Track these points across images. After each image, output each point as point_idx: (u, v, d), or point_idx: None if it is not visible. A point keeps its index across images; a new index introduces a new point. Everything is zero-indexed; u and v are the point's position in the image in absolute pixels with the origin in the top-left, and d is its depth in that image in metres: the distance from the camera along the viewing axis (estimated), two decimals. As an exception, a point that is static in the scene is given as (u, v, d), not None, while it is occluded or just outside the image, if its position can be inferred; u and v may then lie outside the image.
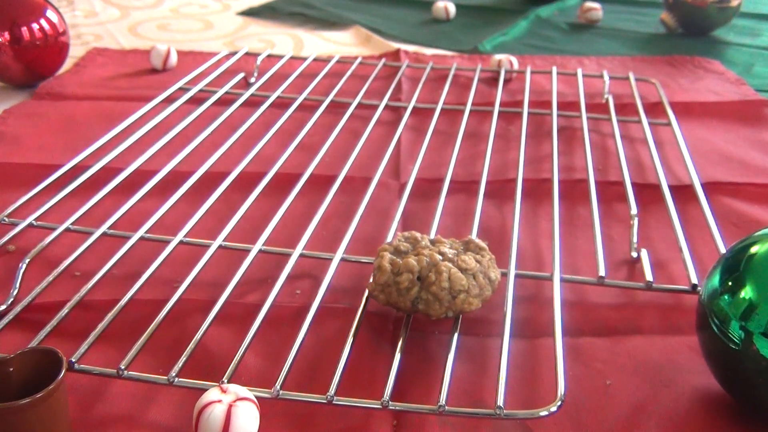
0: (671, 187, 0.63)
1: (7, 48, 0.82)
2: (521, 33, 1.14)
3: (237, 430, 0.37)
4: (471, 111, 0.78)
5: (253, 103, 0.78)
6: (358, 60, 0.92)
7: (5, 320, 0.45)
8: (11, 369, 0.38)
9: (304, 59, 0.92)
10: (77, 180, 0.61)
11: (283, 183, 0.61)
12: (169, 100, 0.78)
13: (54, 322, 0.45)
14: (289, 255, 0.52)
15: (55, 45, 0.85)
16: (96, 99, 0.83)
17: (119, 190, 0.60)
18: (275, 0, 1.28)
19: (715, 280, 0.40)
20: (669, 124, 0.77)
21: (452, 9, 1.20)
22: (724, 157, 0.73)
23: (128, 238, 0.54)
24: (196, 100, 0.79)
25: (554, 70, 0.87)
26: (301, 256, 0.53)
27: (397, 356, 0.43)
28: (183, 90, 0.81)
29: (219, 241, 0.53)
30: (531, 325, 0.49)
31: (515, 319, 0.47)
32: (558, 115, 0.76)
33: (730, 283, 0.39)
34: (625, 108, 0.81)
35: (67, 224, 0.55)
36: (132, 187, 0.60)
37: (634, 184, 0.63)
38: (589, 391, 0.43)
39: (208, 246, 0.53)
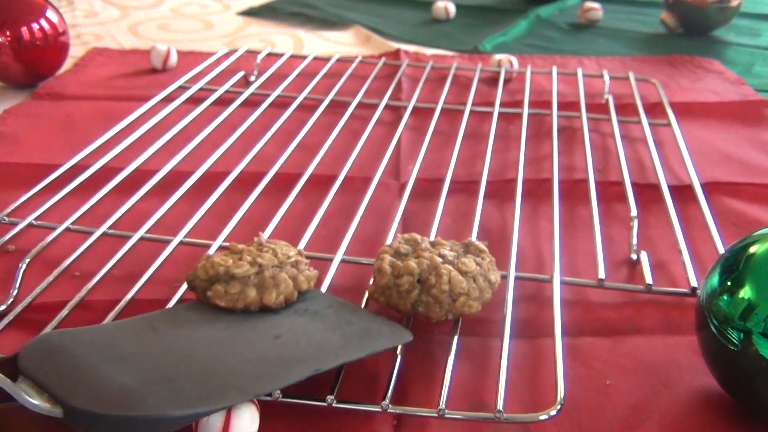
0: (671, 187, 0.63)
1: (7, 48, 0.82)
2: (521, 33, 1.14)
3: (237, 431, 0.37)
4: (471, 111, 0.78)
5: (253, 102, 0.78)
6: (358, 59, 0.92)
7: (5, 320, 0.45)
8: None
9: (304, 58, 0.92)
10: (77, 180, 0.61)
11: (283, 183, 0.62)
12: (169, 99, 0.78)
13: (54, 322, 0.45)
14: (289, 255, 0.52)
15: (55, 45, 0.85)
16: (96, 99, 0.83)
17: (119, 189, 0.60)
18: (275, 0, 1.28)
19: (714, 281, 0.40)
20: (669, 124, 0.77)
21: (452, 9, 1.20)
22: (724, 157, 0.73)
23: (128, 238, 0.54)
24: (196, 99, 0.79)
25: (554, 70, 0.87)
26: (301, 256, 0.53)
27: (398, 358, 0.43)
28: (183, 88, 0.81)
29: (219, 241, 0.53)
30: (531, 326, 0.49)
31: (515, 319, 0.47)
32: (558, 115, 0.76)
33: (729, 283, 0.39)
34: (625, 108, 0.81)
35: (67, 224, 0.55)
36: (132, 186, 0.60)
37: (634, 185, 0.63)
38: (588, 392, 0.43)
39: (208, 246, 0.53)
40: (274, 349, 0.40)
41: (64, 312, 0.45)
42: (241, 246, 0.46)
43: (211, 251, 0.52)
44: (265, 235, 0.54)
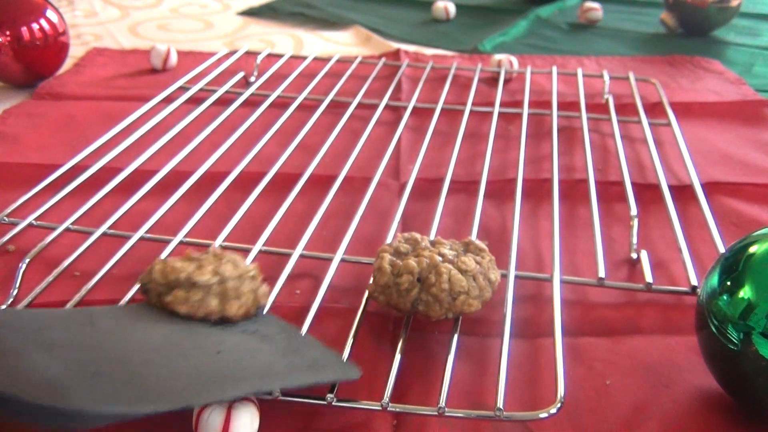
0: (671, 187, 0.63)
1: (7, 48, 0.82)
2: (521, 33, 1.14)
3: (237, 430, 0.37)
4: (471, 111, 0.78)
5: (253, 103, 0.79)
6: (358, 59, 0.92)
7: (5, 320, 0.45)
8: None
9: (304, 58, 0.92)
10: (77, 180, 0.61)
11: (283, 183, 0.62)
12: (169, 99, 0.79)
13: (54, 322, 0.45)
14: (289, 255, 0.52)
15: (55, 45, 0.85)
16: (96, 99, 0.83)
17: (119, 190, 0.60)
18: (275, 0, 1.28)
19: (714, 280, 0.40)
20: (669, 124, 0.77)
21: (452, 9, 1.20)
22: (724, 157, 0.73)
23: (128, 238, 0.54)
24: (196, 100, 0.79)
25: (554, 70, 0.87)
26: (301, 256, 0.53)
27: (398, 357, 0.43)
28: (183, 89, 0.82)
29: (219, 241, 0.53)
30: (531, 325, 0.49)
31: (515, 319, 0.47)
32: (558, 115, 0.76)
33: (728, 283, 0.39)
34: (625, 108, 0.81)
35: (67, 224, 0.55)
36: (132, 187, 0.60)
37: (634, 184, 0.63)
38: (588, 392, 0.43)
39: (208, 246, 0.53)
40: (213, 363, 0.38)
41: (64, 312, 0.45)
42: (197, 254, 0.45)
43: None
44: (265, 235, 0.54)
